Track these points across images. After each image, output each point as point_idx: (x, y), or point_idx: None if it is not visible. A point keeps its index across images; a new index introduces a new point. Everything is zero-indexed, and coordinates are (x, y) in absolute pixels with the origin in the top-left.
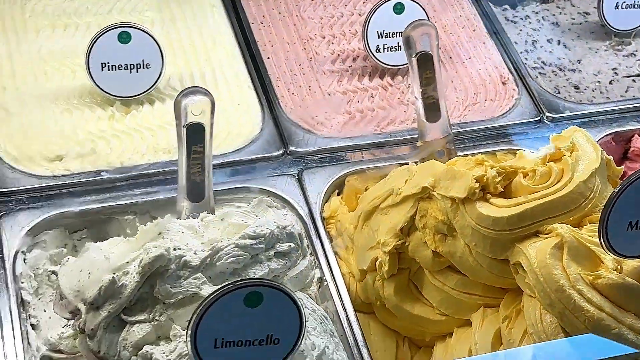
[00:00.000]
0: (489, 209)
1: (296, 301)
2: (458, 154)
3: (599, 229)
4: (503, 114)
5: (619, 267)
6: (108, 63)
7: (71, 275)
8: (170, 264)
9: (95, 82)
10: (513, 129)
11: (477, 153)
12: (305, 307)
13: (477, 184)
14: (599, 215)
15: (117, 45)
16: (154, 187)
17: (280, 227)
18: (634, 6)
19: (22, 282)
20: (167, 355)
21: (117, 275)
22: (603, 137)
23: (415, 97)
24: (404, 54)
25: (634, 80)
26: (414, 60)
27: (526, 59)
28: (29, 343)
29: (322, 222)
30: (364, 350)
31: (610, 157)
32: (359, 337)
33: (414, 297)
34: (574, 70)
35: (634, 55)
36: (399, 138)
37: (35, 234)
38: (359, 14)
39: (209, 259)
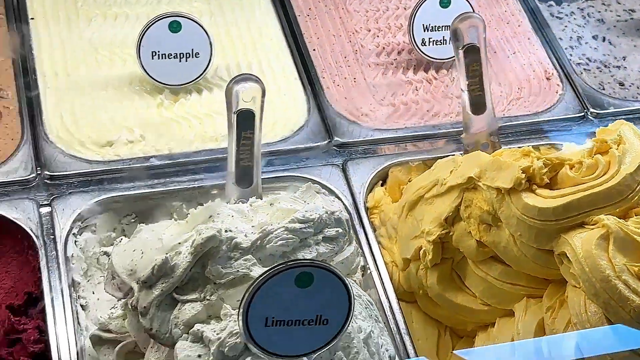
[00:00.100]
0: (535, 199)
1: (346, 283)
2: (502, 147)
3: None
4: (547, 109)
5: None
6: (158, 52)
7: (124, 255)
8: (221, 245)
9: (145, 70)
10: (557, 124)
11: (520, 147)
12: None
13: (524, 175)
14: None
15: (167, 35)
16: (201, 174)
17: (328, 212)
18: None
19: (73, 264)
20: (217, 334)
21: (169, 255)
22: None
23: (461, 89)
24: (449, 48)
25: None
26: (461, 52)
27: (571, 55)
28: (78, 323)
29: (366, 212)
30: (406, 338)
31: None
32: (402, 325)
33: (456, 287)
34: (618, 67)
35: None
36: (442, 131)
37: (86, 218)
38: (405, 8)
39: (259, 242)
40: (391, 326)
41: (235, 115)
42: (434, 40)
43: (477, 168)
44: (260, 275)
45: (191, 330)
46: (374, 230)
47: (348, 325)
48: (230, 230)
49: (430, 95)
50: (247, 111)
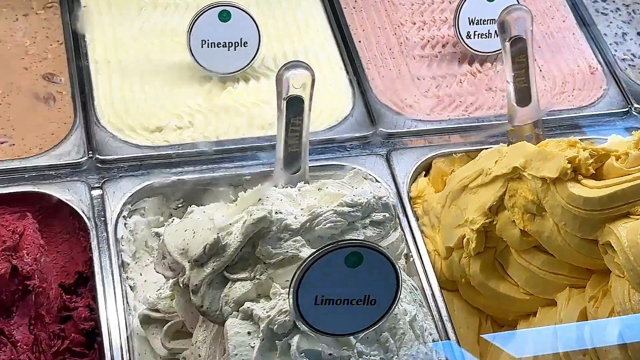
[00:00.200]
0: (581, 189)
1: (394, 264)
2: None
3: None
4: (591, 103)
5: None
6: (208, 40)
7: (176, 235)
8: (272, 226)
9: (194, 58)
10: (600, 119)
11: None
12: None
13: (570, 165)
14: None
15: (217, 23)
16: (248, 160)
17: (376, 197)
18: None
19: (123, 245)
20: (267, 312)
21: (221, 235)
22: None
23: (507, 81)
24: (494, 41)
25: None
26: (508, 44)
27: (615, 50)
28: (127, 302)
29: (409, 202)
30: (448, 325)
31: None
32: (444, 313)
33: (499, 276)
34: None
35: None
36: (486, 123)
37: (135, 201)
38: (449, 2)
39: (308, 224)
40: (433, 313)
41: (285, 102)
42: (479, 34)
43: (522, 158)
44: (312, 254)
45: (241, 308)
46: (417, 219)
47: (395, 306)
48: (281, 212)
49: (474, 88)
50: (297, 98)
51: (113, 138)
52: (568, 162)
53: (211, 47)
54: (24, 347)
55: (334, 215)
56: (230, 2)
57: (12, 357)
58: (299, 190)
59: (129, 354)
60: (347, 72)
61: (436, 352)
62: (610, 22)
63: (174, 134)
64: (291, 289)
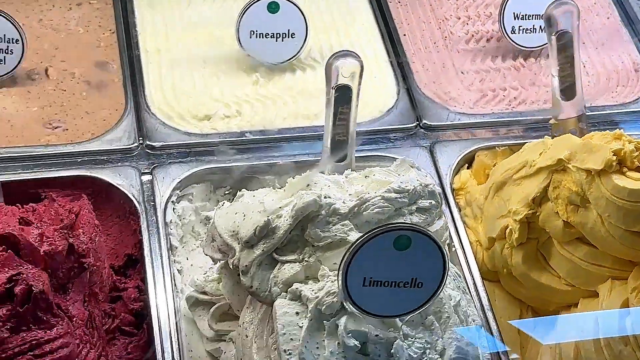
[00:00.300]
0: (626, 181)
1: (442, 249)
2: None
3: None
4: (634, 100)
5: None
6: (256, 31)
7: (227, 218)
8: (320, 210)
9: (243, 49)
10: None
11: None
12: None
13: (615, 157)
14: None
15: (266, 15)
16: (293, 150)
17: (423, 184)
18: None
19: (171, 229)
20: (315, 293)
21: (271, 218)
22: None
23: (552, 74)
24: (538, 36)
25: None
26: (554, 38)
27: None
28: (175, 284)
29: (452, 193)
30: (489, 314)
31: None
32: (485, 302)
33: (541, 267)
34: None
35: None
36: (529, 118)
37: (184, 187)
38: None
39: (356, 208)
40: (475, 302)
41: (334, 90)
42: (523, 29)
43: (567, 150)
44: (362, 236)
45: (290, 289)
46: (459, 210)
47: (441, 290)
48: (329, 197)
49: (518, 83)
50: (345, 87)
51: (163, 125)
52: (613, 155)
53: (259, 37)
54: (79, 322)
55: (382, 200)
56: None
57: (69, 330)
58: (346, 177)
59: (177, 334)
60: (392, 65)
61: (479, 337)
62: None
63: (221, 123)
64: (340, 270)
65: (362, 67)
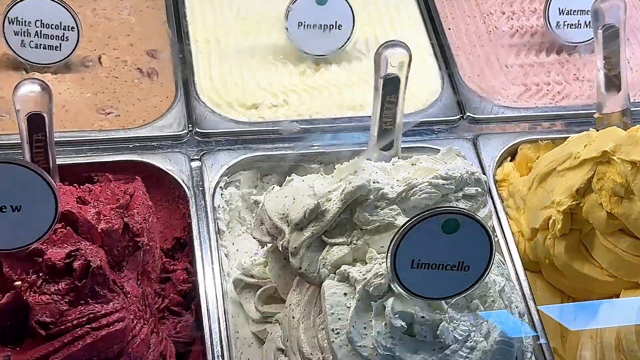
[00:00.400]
0: None
1: (489, 233)
2: None
3: None
4: None
5: None
6: (304, 22)
7: (276, 201)
8: (369, 195)
9: (290, 40)
10: None
11: None
12: None
13: None
14: None
15: (314, 6)
16: (339, 139)
17: (469, 172)
18: None
19: (219, 214)
20: (363, 274)
21: (321, 201)
22: None
23: (598, 68)
24: (583, 32)
25: None
26: (600, 32)
27: None
28: (222, 268)
29: (495, 185)
30: (531, 304)
31: None
32: (527, 292)
33: (583, 258)
34: None
35: None
36: (573, 112)
37: (231, 174)
38: None
39: (404, 193)
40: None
41: (382, 80)
42: (568, 24)
43: (612, 142)
44: (412, 218)
45: (338, 270)
46: (502, 201)
47: (488, 274)
48: (378, 182)
49: (562, 78)
50: (394, 76)
51: (212, 113)
52: None
53: (307, 28)
54: (134, 298)
55: (429, 186)
56: None
57: (124, 305)
58: (393, 164)
59: (225, 315)
60: (437, 58)
61: (522, 324)
62: None
63: (269, 111)
64: (389, 251)
65: (410, 57)
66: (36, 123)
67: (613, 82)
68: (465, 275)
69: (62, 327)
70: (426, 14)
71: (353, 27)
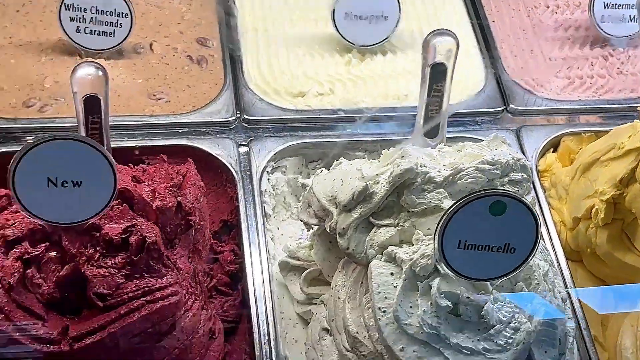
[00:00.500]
0: None
1: (535, 216)
2: None
3: None
4: None
5: None
6: (351, 12)
7: (325, 184)
8: (417, 178)
9: (337, 30)
10: None
11: None
12: None
13: None
14: None
15: None
16: (383, 128)
17: (515, 158)
18: None
19: (265, 198)
20: (410, 255)
21: (369, 184)
22: None
23: None
24: (628, 26)
25: None
26: None
27: None
28: (268, 250)
29: (537, 175)
30: (572, 292)
31: None
32: (569, 281)
33: (625, 247)
34: None
35: None
36: (615, 105)
37: (278, 159)
38: None
39: (451, 177)
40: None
41: (429, 68)
42: (613, 18)
43: None
44: (460, 199)
45: (385, 251)
46: (544, 191)
47: (533, 256)
48: (425, 166)
49: (605, 71)
50: (440, 65)
51: (260, 100)
52: None
53: (354, 19)
54: (186, 274)
55: (476, 171)
56: None
57: (177, 280)
58: (439, 150)
59: (271, 295)
60: (481, 50)
61: (566, 307)
62: None
63: (315, 100)
64: (437, 232)
65: (458, 45)
66: (92, 105)
67: None
68: (511, 258)
69: (118, 299)
70: (471, 6)
71: (399, 17)
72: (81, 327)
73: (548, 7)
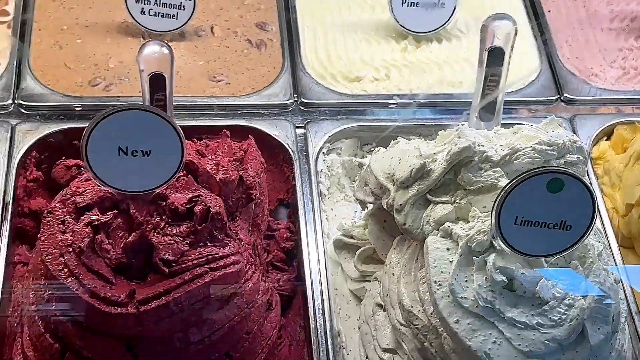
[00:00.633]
0: None
1: (593, 194)
2: None
3: None
4: None
5: None
6: (408, 0)
7: (382, 161)
8: (474, 156)
9: (394, 16)
10: None
11: None
12: None
13: None
14: None
15: None
16: (436, 115)
17: (571, 140)
18: None
19: (321, 178)
20: (466, 231)
21: (427, 161)
22: None
23: None
24: None
25: None
26: None
27: None
28: (322, 229)
29: (590, 162)
30: (623, 277)
31: None
32: (620, 266)
33: None
34: None
35: None
36: None
37: (334, 141)
38: None
39: (507, 157)
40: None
41: (487, 52)
42: None
43: None
44: (518, 175)
45: (441, 227)
46: (597, 178)
47: (589, 234)
48: (482, 145)
49: None
50: (498, 49)
51: (316, 84)
52: None
53: (410, 6)
54: (246, 246)
55: (532, 151)
56: None
57: (239, 250)
58: (495, 132)
59: (326, 271)
60: (536, 39)
61: (619, 287)
62: None
63: (371, 85)
64: (494, 207)
65: (516, 30)
66: (158, 83)
67: None
68: (567, 235)
69: (182, 266)
70: None
71: (455, 6)
72: (147, 292)
73: None
